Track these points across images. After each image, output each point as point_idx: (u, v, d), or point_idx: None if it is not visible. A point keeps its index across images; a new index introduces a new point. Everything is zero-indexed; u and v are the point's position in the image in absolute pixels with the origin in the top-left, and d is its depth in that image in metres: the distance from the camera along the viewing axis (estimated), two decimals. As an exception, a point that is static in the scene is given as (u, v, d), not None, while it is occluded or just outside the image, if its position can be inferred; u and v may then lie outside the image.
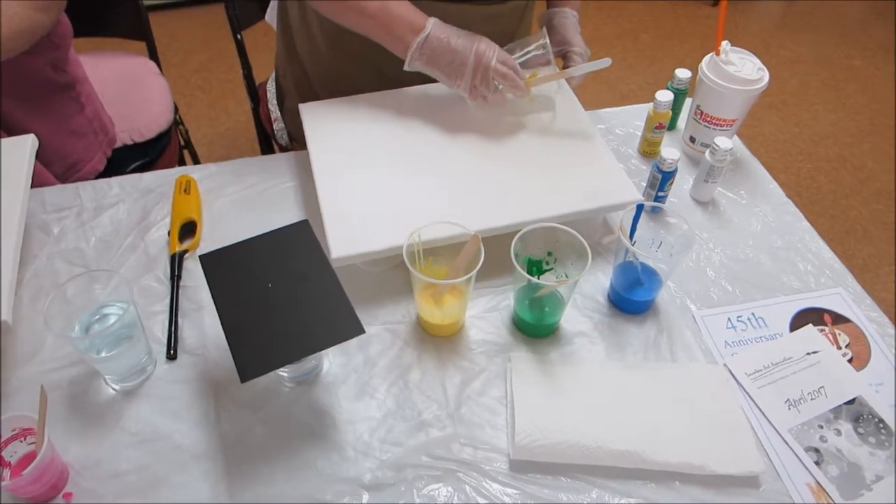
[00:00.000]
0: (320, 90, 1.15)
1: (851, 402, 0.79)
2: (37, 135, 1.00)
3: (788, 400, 0.79)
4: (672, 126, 1.12)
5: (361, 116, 1.00)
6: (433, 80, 1.04)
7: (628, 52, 2.83)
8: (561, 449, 0.72)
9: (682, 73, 1.06)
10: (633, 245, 0.88)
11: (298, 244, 0.77)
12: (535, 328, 0.84)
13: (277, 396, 0.78)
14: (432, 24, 0.91)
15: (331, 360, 0.81)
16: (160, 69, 1.51)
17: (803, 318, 0.88)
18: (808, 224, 0.99)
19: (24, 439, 0.70)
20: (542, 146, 0.96)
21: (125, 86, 1.43)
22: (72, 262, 0.90)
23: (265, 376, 0.78)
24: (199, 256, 0.75)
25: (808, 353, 0.84)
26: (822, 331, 0.86)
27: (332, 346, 0.69)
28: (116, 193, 0.98)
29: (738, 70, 0.98)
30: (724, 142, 0.94)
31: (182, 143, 1.71)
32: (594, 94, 2.59)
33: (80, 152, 1.11)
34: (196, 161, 1.82)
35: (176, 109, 1.63)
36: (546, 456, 0.72)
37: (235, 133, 2.32)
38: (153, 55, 1.50)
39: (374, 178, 0.91)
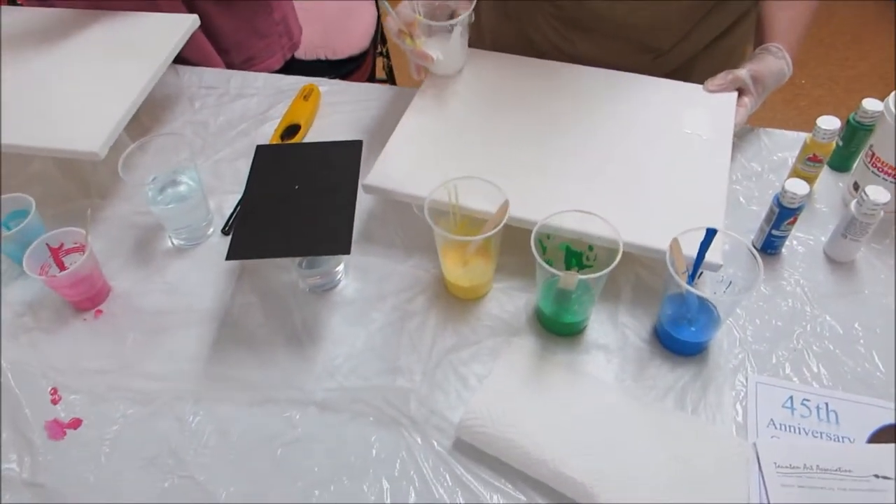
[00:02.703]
0: (487, 40, 1.15)
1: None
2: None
3: (812, 516, 0.62)
4: (845, 167, 0.92)
5: (489, 72, 0.96)
6: (579, 61, 0.96)
7: None
8: (502, 446, 0.66)
9: (872, 105, 0.85)
10: (698, 277, 0.75)
11: (343, 160, 0.79)
12: (552, 323, 0.76)
13: (289, 296, 0.81)
14: None
15: (348, 282, 0.82)
16: (377, 2, 1.62)
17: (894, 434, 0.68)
18: (976, 332, 0.75)
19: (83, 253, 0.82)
20: (655, 156, 0.84)
21: (340, 10, 1.58)
22: (197, 132, 1.02)
23: (289, 275, 0.83)
24: (257, 146, 0.81)
25: (876, 476, 0.65)
26: (914, 459, 0.66)
27: (314, 255, 0.70)
28: (258, 87, 1.09)
29: (935, 111, 0.76)
30: (879, 193, 0.75)
31: (383, 76, 1.83)
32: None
33: (260, 49, 1.25)
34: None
35: (384, 41, 1.75)
36: (487, 447, 0.66)
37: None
38: (375, -13, 1.63)
39: (460, 133, 0.88)
